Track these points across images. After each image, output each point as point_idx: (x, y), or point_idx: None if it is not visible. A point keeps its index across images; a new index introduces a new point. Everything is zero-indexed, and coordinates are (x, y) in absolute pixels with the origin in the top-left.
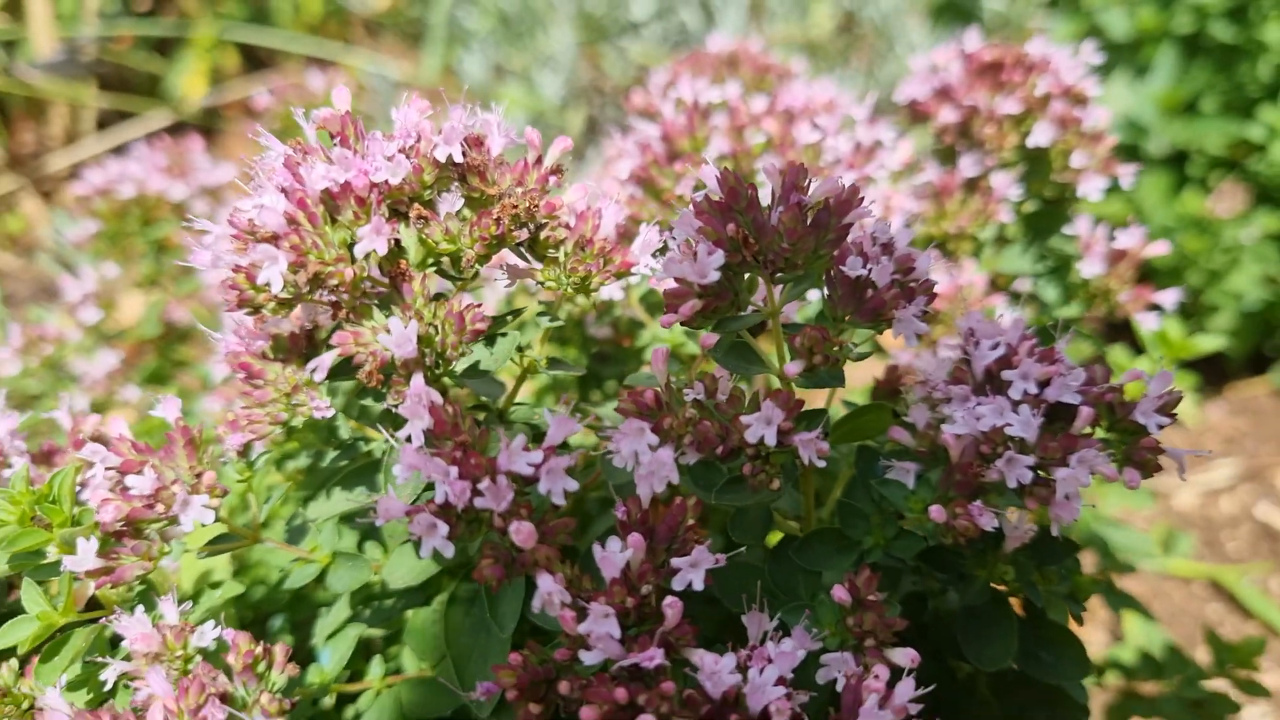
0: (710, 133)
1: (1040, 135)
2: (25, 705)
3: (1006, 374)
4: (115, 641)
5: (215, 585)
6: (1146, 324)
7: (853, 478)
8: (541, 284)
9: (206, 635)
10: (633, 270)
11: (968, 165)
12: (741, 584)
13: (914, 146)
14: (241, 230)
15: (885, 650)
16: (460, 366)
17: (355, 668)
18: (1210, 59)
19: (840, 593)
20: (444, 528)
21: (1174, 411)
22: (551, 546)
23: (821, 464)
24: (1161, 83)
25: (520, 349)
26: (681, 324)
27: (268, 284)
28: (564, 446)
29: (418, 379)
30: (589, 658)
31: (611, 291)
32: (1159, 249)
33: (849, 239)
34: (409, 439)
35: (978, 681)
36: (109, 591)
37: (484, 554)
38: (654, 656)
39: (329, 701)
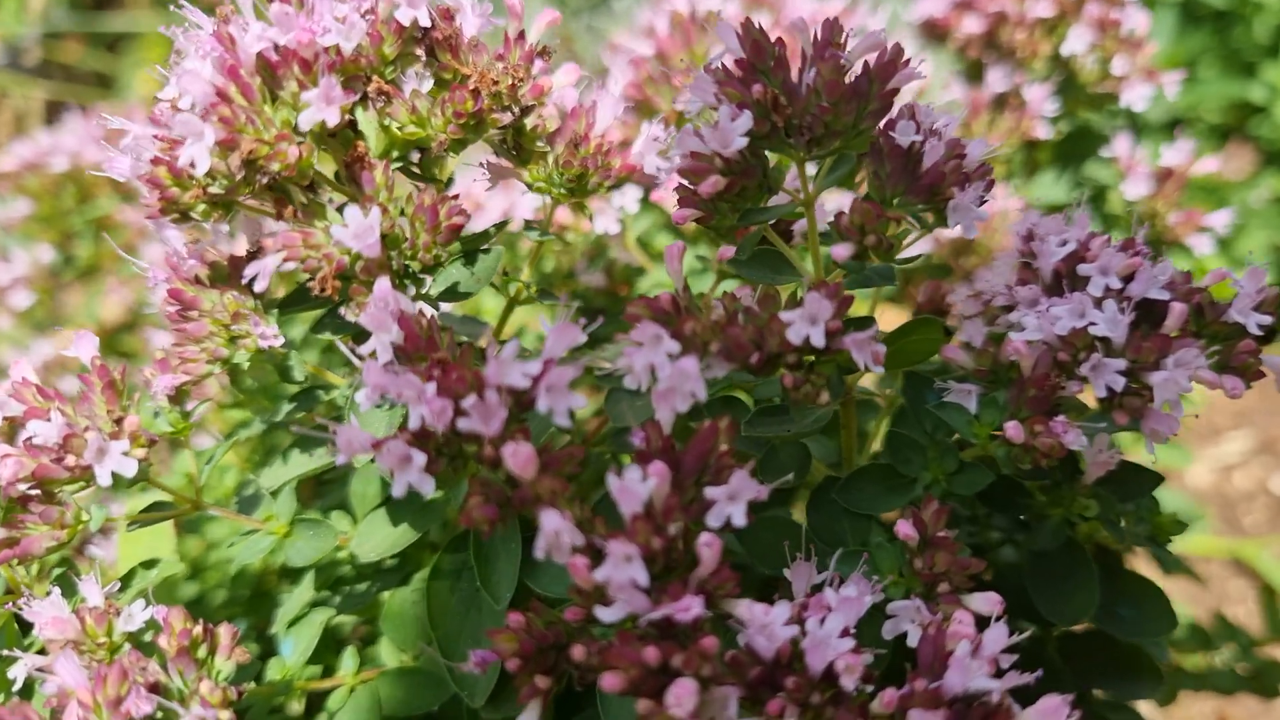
0: (709, 47)
1: (1076, 41)
2: None
3: (1083, 268)
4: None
5: (150, 564)
6: (1199, 249)
7: (900, 410)
8: (529, 186)
9: (135, 618)
10: (635, 174)
11: (996, 79)
12: (775, 542)
13: (934, 68)
14: (163, 121)
15: (962, 597)
16: (436, 289)
17: (325, 663)
18: (1205, 26)
19: (905, 528)
20: (420, 458)
21: (1273, 310)
22: (557, 478)
23: (879, 369)
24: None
25: (505, 275)
26: (698, 220)
27: (192, 166)
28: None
29: (383, 282)
30: (608, 614)
31: (607, 224)
32: (1209, 166)
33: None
34: (373, 355)
35: (1045, 645)
36: (18, 571)
37: (471, 491)
38: (690, 606)
39: (297, 708)
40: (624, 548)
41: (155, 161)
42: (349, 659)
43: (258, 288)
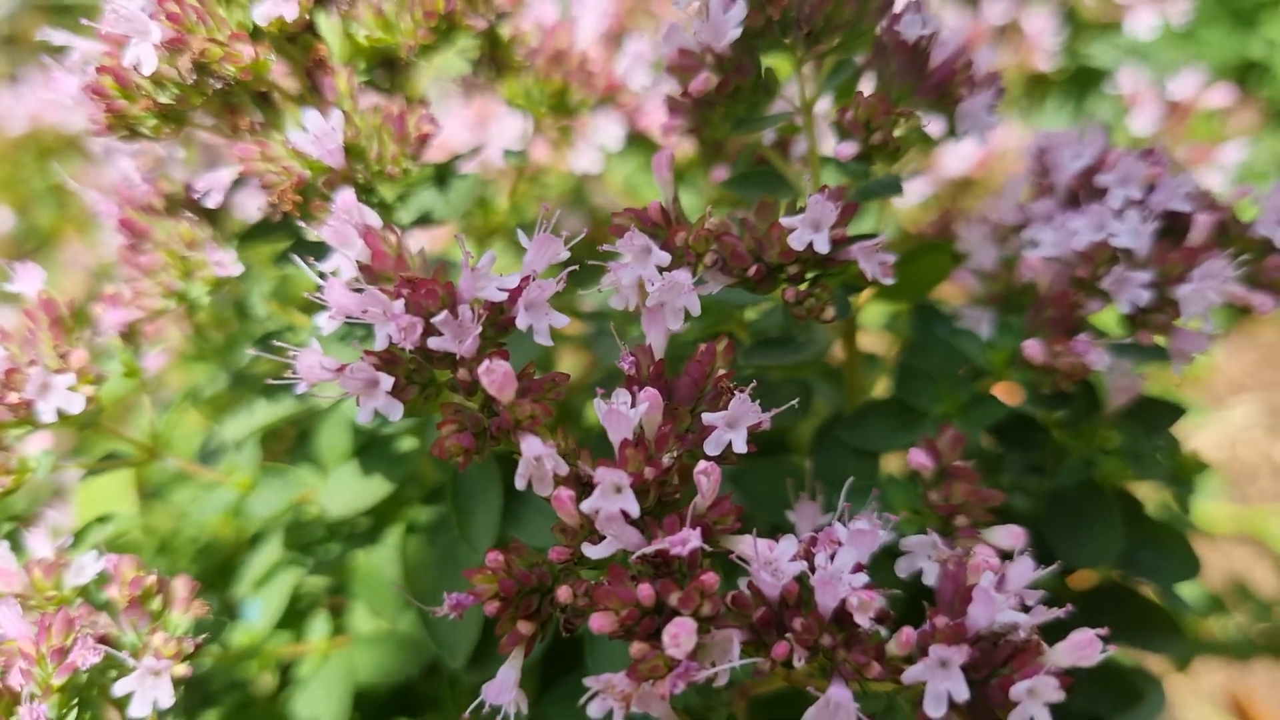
0: None
1: None
2: None
3: (1101, 178)
4: None
5: (105, 519)
6: (1210, 185)
7: (908, 343)
8: (508, 103)
9: (87, 570)
10: (620, 93)
11: (995, 9)
12: (772, 489)
13: None
14: (111, 35)
15: (982, 531)
16: (407, 216)
17: (294, 630)
18: None
19: (919, 457)
20: (386, 381)
21: None
22: (538, 403)
23: (888, 281)
24: None
25: (482, 203)
26: (688, 131)
27: (138, 69)
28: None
29: (346, 194)
30: (596, 551)
31: (588, 162)
32: (1220, 96)
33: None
34: (335, 274)
35: (1061, 597)
36: None
37: (445, 419)
38: (687, 539)
39: (269, 680)
40: (614, 476)
41: (100, 70)
42: (321, 624)
43: (211, 202)
